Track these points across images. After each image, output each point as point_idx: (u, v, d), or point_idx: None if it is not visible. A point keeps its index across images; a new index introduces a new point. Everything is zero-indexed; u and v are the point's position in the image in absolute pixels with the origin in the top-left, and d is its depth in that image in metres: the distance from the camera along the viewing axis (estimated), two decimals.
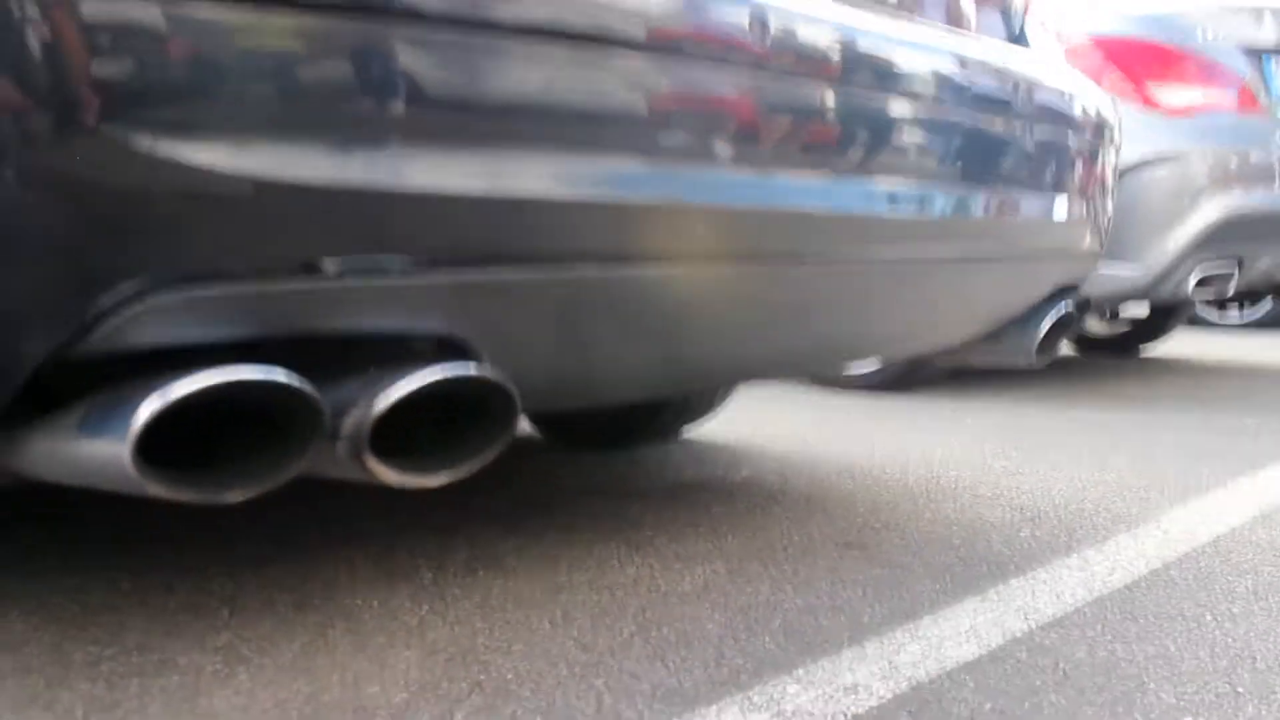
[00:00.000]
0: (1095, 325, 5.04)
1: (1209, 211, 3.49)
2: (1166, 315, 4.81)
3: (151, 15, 0.78)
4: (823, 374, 3.57)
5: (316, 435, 0.90)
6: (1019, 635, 1.50)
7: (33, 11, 0.76)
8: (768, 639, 1.48)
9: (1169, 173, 3.48)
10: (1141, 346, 5.09)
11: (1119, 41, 3.61)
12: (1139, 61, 3.57)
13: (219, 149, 0.83)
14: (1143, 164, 3.43)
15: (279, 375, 0.86)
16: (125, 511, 1.98)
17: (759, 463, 2.62)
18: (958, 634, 1.50)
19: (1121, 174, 3.38)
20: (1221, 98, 3.64)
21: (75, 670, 1.34)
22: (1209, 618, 1.58)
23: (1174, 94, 3.57)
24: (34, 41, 0.77)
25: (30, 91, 0.77)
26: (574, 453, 2.73)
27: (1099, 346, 5.09)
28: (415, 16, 0.90)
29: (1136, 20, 3.68)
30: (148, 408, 0.81)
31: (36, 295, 0.83)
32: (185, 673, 1.34)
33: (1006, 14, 1.78)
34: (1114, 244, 3.31)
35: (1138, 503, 2.25)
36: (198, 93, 0.82)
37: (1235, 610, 1.61)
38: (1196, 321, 6.38)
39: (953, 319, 1.80)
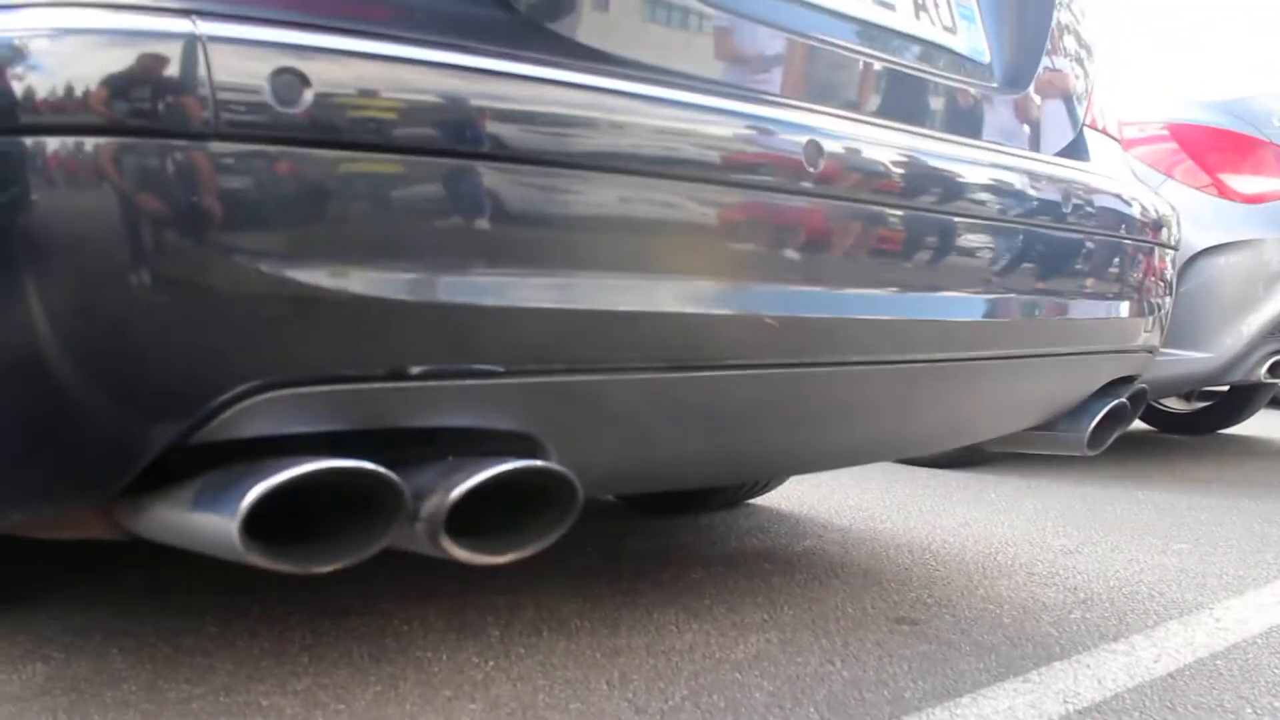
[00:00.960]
0: (1174, 403, 5.01)
1: None
2: (1247, 395, 4.77)
3: (269, 157, 0.92)
4: (887, 460, 3.62)
5: (398, 517, 1.02)
6: (1055, 719, 1.56)
7: (175, 152, 0.90)
8: (812, 710, 1.55)
9: (1242, 259, 3.50)
10: (1220, 426, 5.05)
11: (1194, 128, 3.66)
12: (1213, 148, 3.61)
13: (324, 271, 0.95)
14: (1216, 250, 3.46)
15: (368, 465, 0.98)
16: (216, 561, 2.12)
17: (822, 534, 2.69)
18: (995, 715, 1.56)
19: (1194, 259, 3.44)
20: None
21: (169, 707, 1.47)
22: (1249, 711, 1.62)
23: (1248, 181, 3.60)
24: (174, 172, 0.91)
25: (170, 214, 0.91)
26: (642, 517, 2.82)
27: (1177, 425, 5.06)
28: (499, 157, 1.02)
29: (1211, 107, 3.72)
30: (255, 491, 0.93)
31: (169, 390, 0.96)
32: (267, 714, 1.46)
33: (1064, 128, 1.86)
34: (1186, 329, 3.35)
35: (1194, 589, 2.28)
36: (308, 221, 0.95)
37: (1278, 705, 1.65)
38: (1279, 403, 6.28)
39: (1007, 412, 1.87)
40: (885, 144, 1.40)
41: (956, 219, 1.47)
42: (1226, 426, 5.02)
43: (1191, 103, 3.75)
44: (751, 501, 2.98)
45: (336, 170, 0.95)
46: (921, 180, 1.43)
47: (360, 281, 0.97)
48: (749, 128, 1.24)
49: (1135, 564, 2.48)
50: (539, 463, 1.08)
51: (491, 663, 1.68)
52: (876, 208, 1.36)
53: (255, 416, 0.98)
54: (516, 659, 1.71)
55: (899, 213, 1.39)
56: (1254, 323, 3.49)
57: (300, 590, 1.98)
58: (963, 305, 1.52)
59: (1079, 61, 1.96)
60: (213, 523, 0.96)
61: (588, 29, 1.19)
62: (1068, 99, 1.88)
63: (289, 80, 0.92)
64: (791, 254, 1.26)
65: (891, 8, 1.57)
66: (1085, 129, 1.93)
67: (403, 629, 1.82)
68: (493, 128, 1.02)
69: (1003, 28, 1.80)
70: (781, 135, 1.27)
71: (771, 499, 3.05)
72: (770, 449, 1.56)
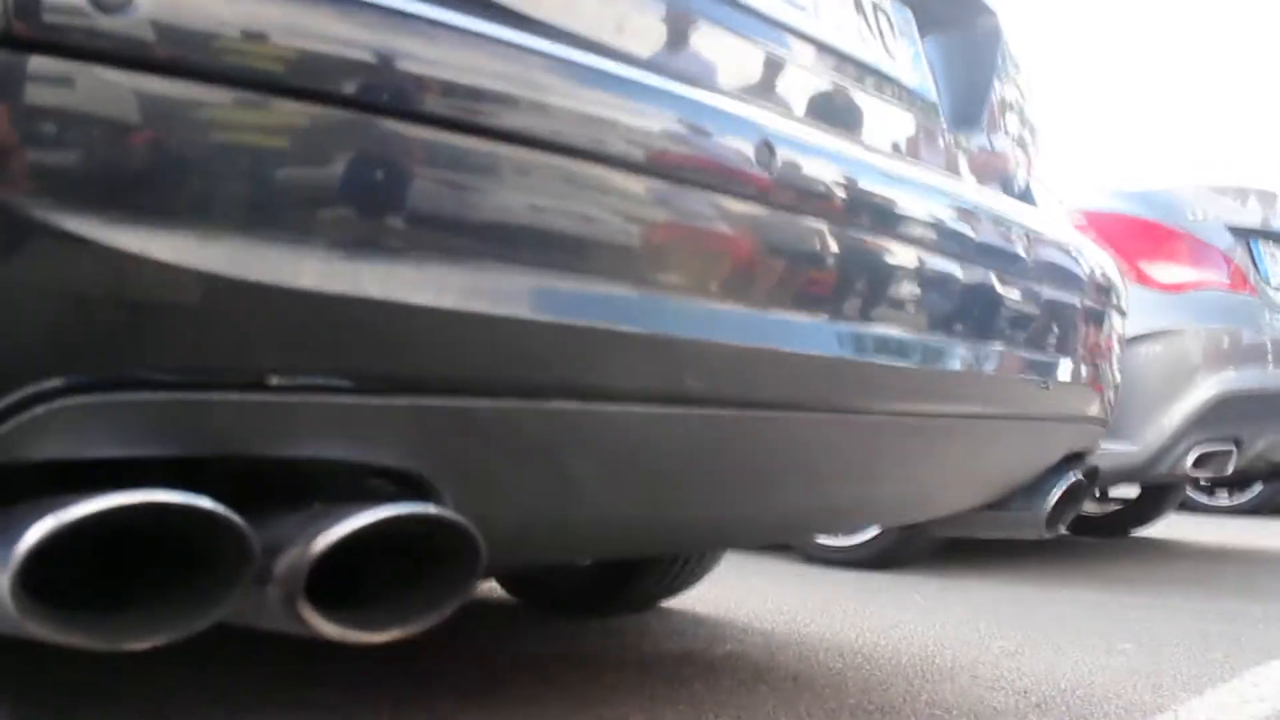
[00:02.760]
0: (1087, 504, 4.91)
1: (1205, 390, 3.42)
2: (1158, 496, 4.69)
3: (83, 78, 0.69)
4: (822, 535, 3.37)
5: (244, 576, 0.77)
6: None
7: None
8: None
9: (1164, 349, 3.42)
10: (1132, 528, 4.96)
11: (1111, 217, 3.60)
12: (1131, 238, 3.55)
13: (154, 236, 0.71)
14: (1138, 339, 3.37)
15: (202, 501, 0.73)
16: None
17: (743, 637, 2.46)
18: None
19: None
20: (1212, 276, 3.62)
21: None
22: None
23: (1166, 271, 3.55)
24: None
25: None
26: (544, 619, 2.56)
27: (1090, 526, 4.96)
28: (402, 114, 0.80)
29: (1127, 197, 3.68)
30: (37, 530, 0.68)
31: None
32: None
33: (1017, 173, 1.72)
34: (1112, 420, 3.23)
35: (1150, 690, 2.09)
36: (136, 167, 0.71)
37: None
38: (1186, 505, 6.26)
39: (960, 482, 1.67)
40: (843, 156, 1.22)
41: (923, 251, 1.28)
42: (1138, 528, 4.94)
43: (1109, 192, 3.70)
44: (663, 606, 2.74)
45: (183, 105, 0.72)
46: (885, 205, 1.25)
47: (203, 254, 0.73)
48: (699, 118, 1.04)
49: (1083, 664, 2.29)
50: (431, 509, 0.84)
51: None
52: (835, 228, 1.17)
53: (49, 431, 0.72)
54: None
55: (860, 236, 1.19)
56: (1178, 414, 3.39)
57: (155, 695, 1.69)
58: (924, 349, 1.33)
59: (1022, 117, 1.84)
60: None
61: None
62: (1017, 144, 1.74)
63: None
64: (729, 270, 1.05)
65: (842, 30, 1.41)
66: (1032, 184, 1.79)
67: None
68: (394, 80, 0.80)
69: (950, 70, 1.66)
70: (729, 130, 1.07)
71: (684, 602, 2.80)
72: (711, 509, 1.32)
